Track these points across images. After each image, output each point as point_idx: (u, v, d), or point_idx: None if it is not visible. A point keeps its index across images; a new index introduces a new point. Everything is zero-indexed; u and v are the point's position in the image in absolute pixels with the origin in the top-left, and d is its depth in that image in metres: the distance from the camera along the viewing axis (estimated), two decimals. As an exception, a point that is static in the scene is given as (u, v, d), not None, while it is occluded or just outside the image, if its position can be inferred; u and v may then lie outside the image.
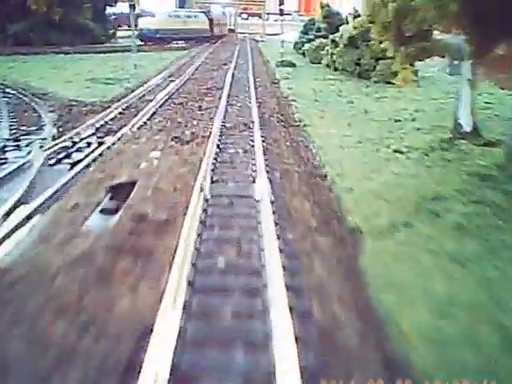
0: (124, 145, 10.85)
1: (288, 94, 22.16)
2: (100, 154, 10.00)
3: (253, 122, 14.39)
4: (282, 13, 37.04)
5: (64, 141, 11.05)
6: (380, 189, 9.78)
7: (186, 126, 13.96)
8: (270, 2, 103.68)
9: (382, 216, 8.39)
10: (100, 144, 11.11)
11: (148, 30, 51.37)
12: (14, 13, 42.52)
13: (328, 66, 32.96)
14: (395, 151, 12.67)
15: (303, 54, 41.95)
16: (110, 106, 16.54)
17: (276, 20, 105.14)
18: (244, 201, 7.94)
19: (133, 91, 20.51)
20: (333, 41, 31.32)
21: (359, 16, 33.23)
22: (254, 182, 9.07)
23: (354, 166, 11.55)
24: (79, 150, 10.72)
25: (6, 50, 38.62)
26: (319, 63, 35.44)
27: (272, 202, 7.66)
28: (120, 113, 15.70)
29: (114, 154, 9.87)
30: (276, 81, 26.83)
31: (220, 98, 18.76)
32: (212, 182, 8.85)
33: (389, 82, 26.54)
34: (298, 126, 15.86)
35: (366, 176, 10.70)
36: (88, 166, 9.20)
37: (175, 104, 17.55)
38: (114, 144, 11.04)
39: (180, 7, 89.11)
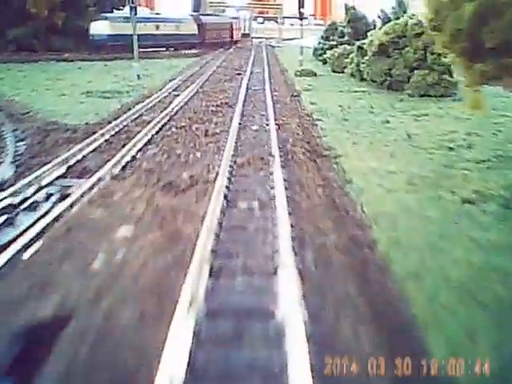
0: (87, 207, 7.74)
1: (311, 111, 19.06)
2: (52, 221, 6.94)
3: (272, 156, 11.29)
4: (301, 16, 33.90)
5: (13, 194, 8.01)
6: (463, 277, 6.59)
7: (185, 162, 10.90)
8: (286, 5, 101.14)
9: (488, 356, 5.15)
10: (62, 198, 8.06)
11: (99, 35, 42.73)
12: (14, 17, 39.96)
13: (353, 75, 29.84)
14: (464, 201, 9.45)
15: (324, 61, 38.91)
16: (96, 131, 13.54)
17: (292, 24, 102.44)
18: (260, 327, 4.82)
19: (130, 109, 17.53)
20: (359, 48, 28.15)
21: (389, 20, 30.13)
22: (275, 273, 5.97)
23: (412, 225, 8.39)
24: (30, 208, 7.67)
25: (4, 58, 36.02)
26: (342, 72, 32.34)
27: (307, 335, 4.52)
28: (106, 141, 12.71)
29: (64, 230, 6.77)
30: (296, 94, 23.73)
31: (232, 119, 15.71)
32: (210, 275, 5.76)
33: (424, 95, 23.37)
34: (328, 156, 12.73)
35: (434, 247, 7.53)
36: (23, 249, 6.07)
37: (177, 128, 14.51)
38: (78, 199, 7.98)
39: (195, 11, 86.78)
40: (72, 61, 37.61)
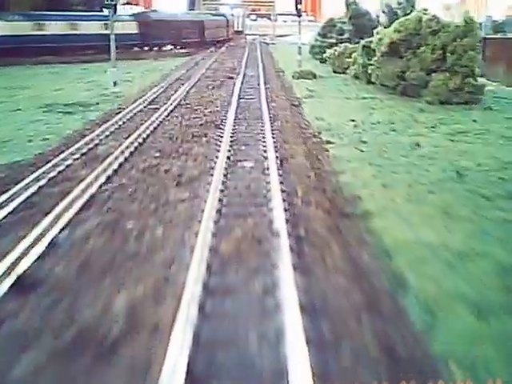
0: None
1: (318, 129, 14.38)
2: None
3: (277, 236, 6.59)
4: (299, 13, 28.88)
5: None
6: None
7: (130, 257, 6.17)
8: (278, 2, 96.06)
9: None
10: None
11: None
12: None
13: (357, 77, 25.05)
14: None
15: (322, 60, 34.06)
16: (23, 180, 8.83)
17: (285, 21, 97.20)
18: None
19: (88, 132, 12.83)
20: (365, 47, 23.35)
21: (396, 16, 25.29)
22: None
23: None
24: None
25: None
26: (344, 73, 27.58)
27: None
28: (24, 202, 7.95)
29: None
30: (297, 103, 19.00)
31: (218, 149, 11.00)
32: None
33: (446, 103, 18.63)
34: (355, 216, 8.06)
35: None
36: None
37: (139, 171, 9.75)
38: None
39: (190, 9, 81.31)
40: (51, 63, 32.52)
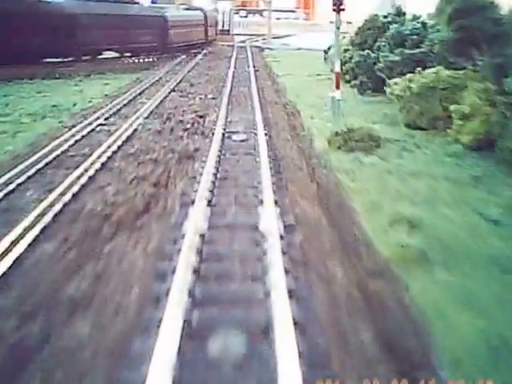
0: None
1: None
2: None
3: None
4: (339, 7, 15.57)
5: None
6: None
7: None
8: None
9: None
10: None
11: None
12: None
13: (478, 147, 11.89)
14: None
15: (363, 88, 20.93)
16: None
17: (278, 18, 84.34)
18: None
19: None
20: None
21: None
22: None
23: None
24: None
25: None
26: (434, 128, 14.29)
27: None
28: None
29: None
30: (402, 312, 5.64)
31: None
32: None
33: None
34: None
35: None
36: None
37: None
38: None
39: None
40: None
